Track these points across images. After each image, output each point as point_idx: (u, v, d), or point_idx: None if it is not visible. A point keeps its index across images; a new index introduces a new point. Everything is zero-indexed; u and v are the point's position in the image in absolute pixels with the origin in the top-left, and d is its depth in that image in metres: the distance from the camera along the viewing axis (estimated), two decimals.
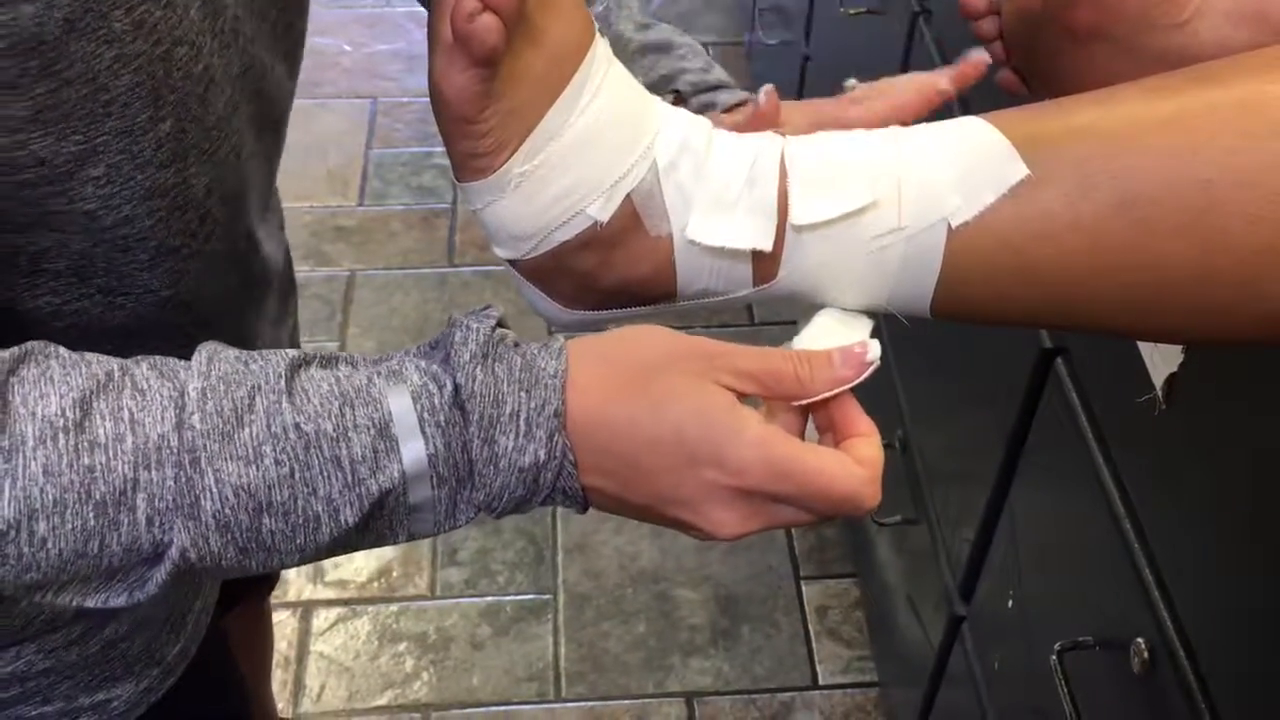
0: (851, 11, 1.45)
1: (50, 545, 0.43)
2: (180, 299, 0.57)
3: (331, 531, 0.46)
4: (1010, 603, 1.04)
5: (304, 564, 0.48)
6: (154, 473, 0.43)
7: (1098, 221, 0.46)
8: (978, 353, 1.12)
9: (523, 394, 0.46)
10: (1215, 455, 0.73)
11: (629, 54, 0.66)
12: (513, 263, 0.54)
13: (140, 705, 0.68)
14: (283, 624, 1.63)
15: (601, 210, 0.50)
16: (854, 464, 0.47)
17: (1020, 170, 0.46)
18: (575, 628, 1.67)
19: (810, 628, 1.67)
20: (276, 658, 1.42)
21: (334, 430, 0.45)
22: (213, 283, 0.60)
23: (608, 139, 0.51)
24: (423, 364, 0.47)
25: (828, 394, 0.48)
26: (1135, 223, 0.45)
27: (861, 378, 0.49)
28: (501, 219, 0.52)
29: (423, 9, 0.57)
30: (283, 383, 0.45)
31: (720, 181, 0.50)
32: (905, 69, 1.29)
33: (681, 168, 0.51)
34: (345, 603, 1.68)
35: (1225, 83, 0.47)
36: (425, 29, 0.50)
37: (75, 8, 0.45)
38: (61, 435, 0.43)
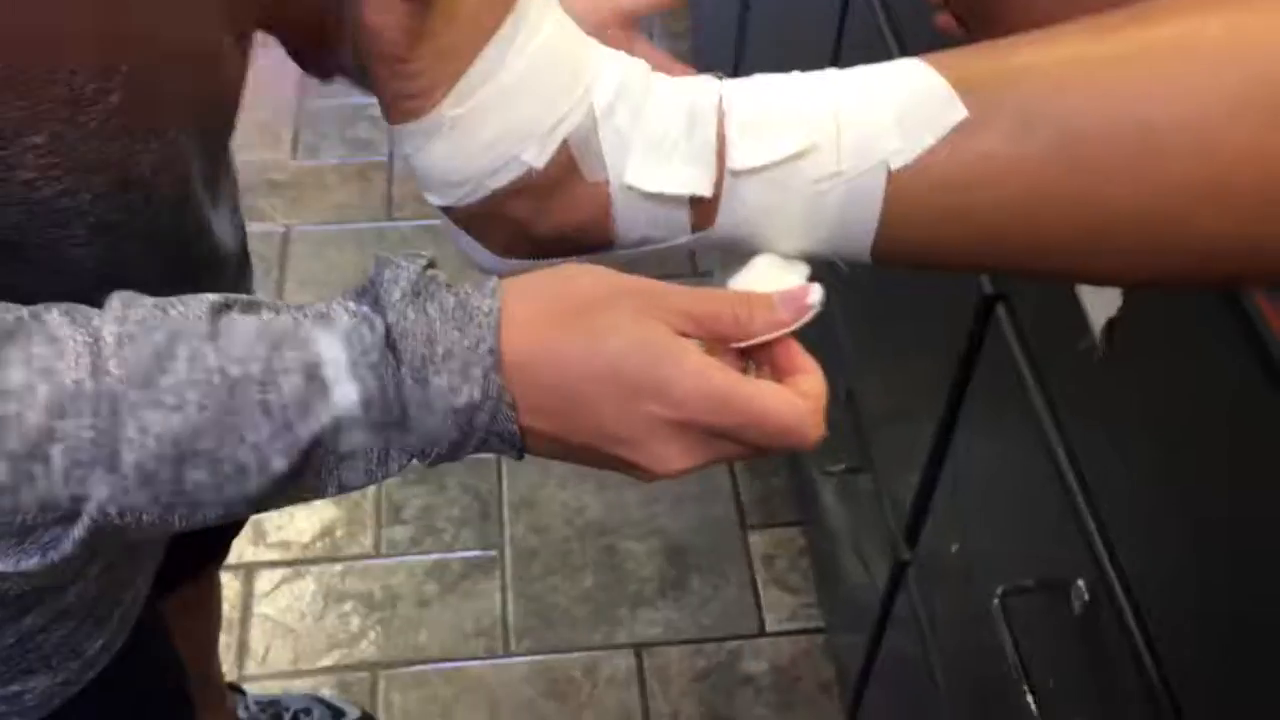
0: None
1: None
2: (117, 278, 0.54)
3: (259, 483, 0.44)
4: (954, 547, 1.05)
5: (229, 519, 0.46)
6: (69, 422, 0.41)
7: (1037, 162, 0.45)
8: (919, 300, 1.13)
9: (456, 332, 0.44)
10: (1154, 400, 0.73)
11: None
12: (446, 210, 0.52)
13: (55, 698, 0.66)
14: (225, 586, 1.61)
15: (537, 156, 0.49)
16: (796, 396, 0.46)
17: (960, 112, 0.46)
18: (523, 583, 1.66)
19: (757, 576, 1.69)
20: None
21: (261, 374, 0.43)
22: (153, 263, 0.57)
23: (544, 82, 0.49)
24: (352, 305, 0.45)
25: (766, 337, 0.48)
26: (1074, 163, 0.45)
27: (801, 322, 0.48)
28: (434, 164, 0.50)
29: None
30: (205, 325, 0.43)
31: (658, 126, 0.49)
32: (844, 14, 1.28)
33: (619, 112, 0.49)
34: (289, 563, 1.66)
35: (1163, 22, 0.46)
36: None
37: None
38: None
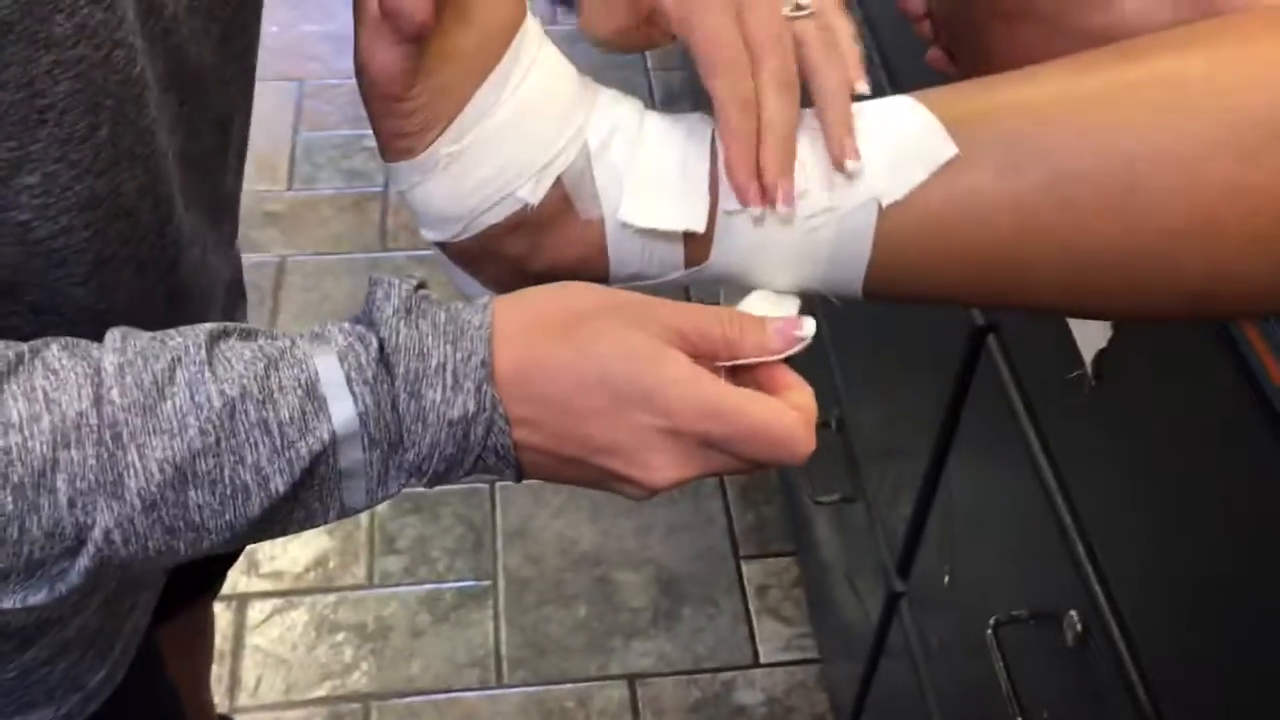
0: None
1: None
2: (115, 313, 0.54)
3: (261, 502, 0.44)
4: (946, 578, 1.06)
5: (233, 545, 0.46)
6: (74, 451, 0.41)
7: (1026, 199, 0.46)
8: (911, 331, 1.13)
9: (448, 346, 0.45)
10: (1145, 430, 0.74)
11: None
12: (441, 246, 0.53)
13: None
14: (217, 618, 1.60)
15: (532, 193, 0.50)
16: (786, 407, 0.46)
17: (950, 149, 0.46)
18: (516, 613, 1.66)
19: (751, 606, 1.68)
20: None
21: (259, 393, 0.43)
22: (147, 295, 0.58)
23: (539, 119, 0.50)
24: (346, 326, 0.46)
25: (754, 361, 0.48)
26: (1062, 200, 0.45)
27: (790, 352, 0.48)
28: (429, 201, 0.51)
29: None
30: (203, 353, 0.44)
31: (652, 163, 0.50)
32: None
33: (613, 149, 0.50)
34: (281, 594, 1.66)
35: (1146, 59, 0.47)
36: (352, 7, 0.48)
37: (13, 10, 0.43)
38: None
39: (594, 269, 0.51)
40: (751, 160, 0.48)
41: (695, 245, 0.50)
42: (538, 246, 0.51)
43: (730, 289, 0.52)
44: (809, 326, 0.48)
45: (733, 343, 0.47)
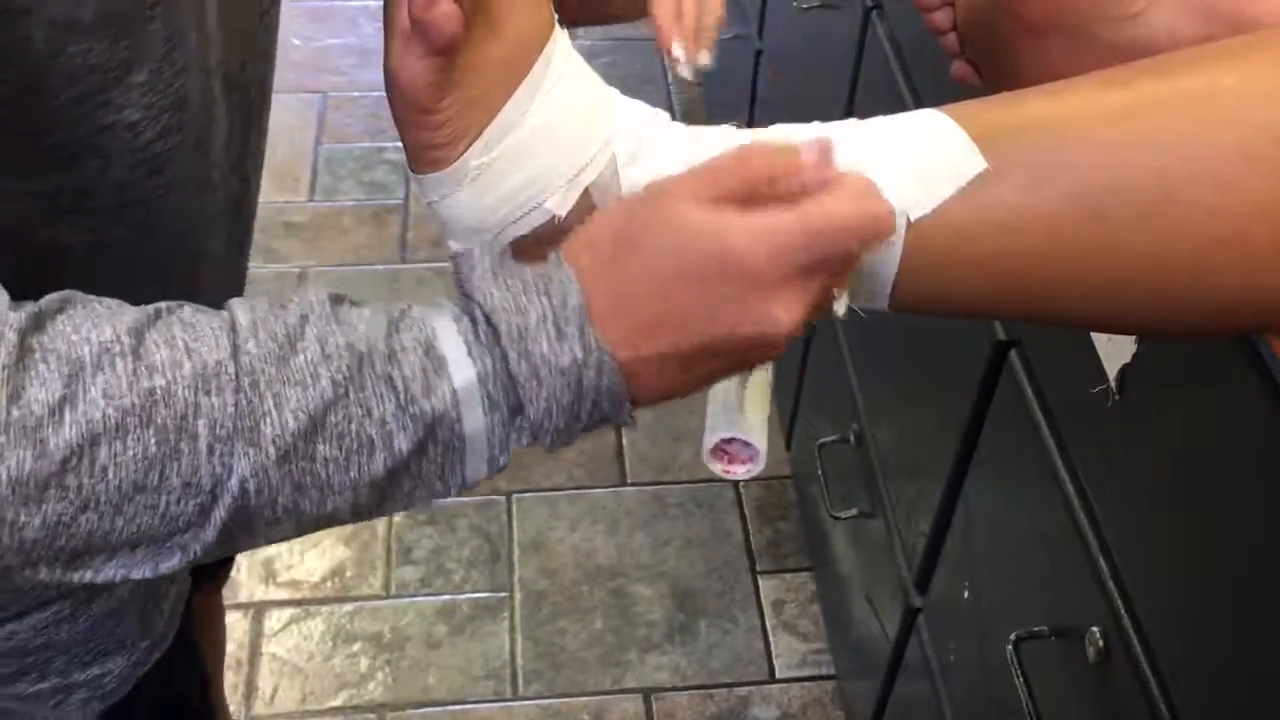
0: (805, 6, 1.45)
1: (111, 475, 0.41)
2: (194, 232, 0.57)
3: (385, 460, 0.44)
4: (966, 594, 1.05)
5: (354, 515, 0.46)
6: (214, 398, 0.42)
7: (1054, 213, 0.46)
8: (932, 346, 1.13)
9: (542, 298, 0.45)
10: (1168, 445, 0.73)
11: None
12: None
13: (130, 680, 0.68)
14: (234, 625, 1.61)
15: (560, 204, 0.50)
16: (844, 195, 0.44)
17: (979, 163, 0.46)
18: (532, 625, 1.66)
19: (767, 622, 1.68)
20: (228, 660, 1.40)
21: (385, 349, 0.44)
22: (218, 217, 0.60)
23: (567, 132, 0.50)
24: (453, 299, 0.47)
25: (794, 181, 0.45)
26: (1091, 214, 0.45)
27: (819, 167, 0.45)
28: (458, 212, 0.51)
29: (374, 2, 0.57)
30: (329, 308, 0.45)
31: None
32: (859, 64, 1.29)
33: (640, 162, 0.50)
34: (298, 603, 1.66)
35: (1178, 75, 0.47)
36: (376, 23, 0.49)
37: None
38: (119, 360, 0.41)
39: None
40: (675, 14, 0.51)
41: None
42: None
43: None
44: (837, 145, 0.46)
45: (767, 172, 0.45)
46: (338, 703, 1.56)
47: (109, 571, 0.44)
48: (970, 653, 1.06)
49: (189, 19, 0.51)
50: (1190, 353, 0.69)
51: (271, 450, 0.43)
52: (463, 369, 0.44)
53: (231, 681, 1.54)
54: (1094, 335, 0.78)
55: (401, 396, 0.44)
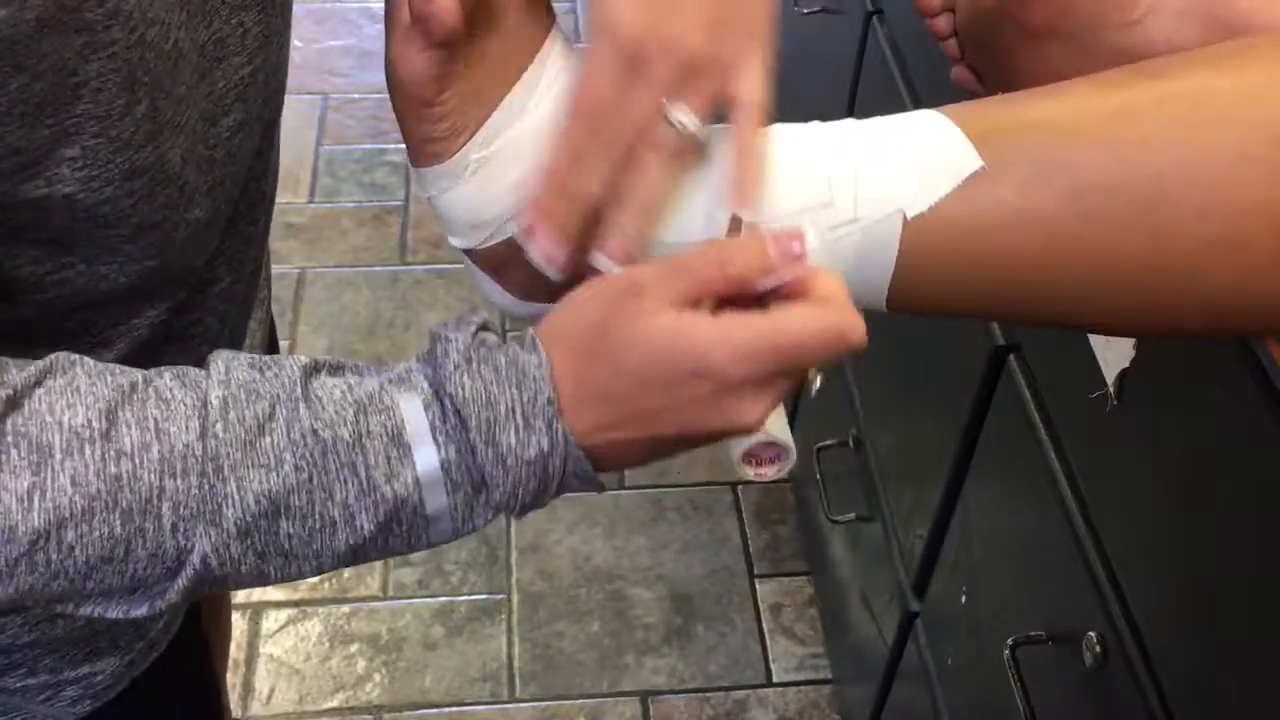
0: (805, 11, 1.45)
1: (78, 553, 0.43)
2: (166, 268, 0.57)
3: (348, 538, 0.46)
4: (963, 598, 1.05)
5: (322, 572, 0.48)
6: (179, 481, 0.44)
7: (1050, 213, 0.46)
8: (931, 350, 1.13)
9: (514, 390, 0.46)
10: (1166, 450, 0.73)
11: None
12: (468, 253, 0.53)
13: (124, 679, 0.68)
14: (232, 626, 1.61)
15: None
16: (817, 305, 0.45)
17: (975, 162, 0.47)
18: (529, 627, 1.66)
19: (764, 625, 1.68)
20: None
21: (349, 436, 0.45)
22: (197, 252, 0.60)
23: None
24: (428, 372, 0.47)
25: (768, 283, 0.46)
26: (1087, 214, 0.46)
27: (795, 267, 0.46)
28: (457, 206, 0.51)
29: (375, 4, 0.56)
30: (299, 390, 0.46)
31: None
32: (859, 68, 1.30)
33: None
34: (295, 604, 1.66)
35: (1174, 77, 0.47)
36: (377, 25, 0.49)
37: (48, 5, 0.44)
38: (88, 446, 0.43)
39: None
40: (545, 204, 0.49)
41: None
42: None
43: None
44: (810, 234, 0.47)
45: (736, 277, 0.46)
46: (334, 704, 1.56)
47: (85, 611, 0.47)
48: (967, 657, 1.06)
49: (143, 90, 0.50)
50: (1188, 358, 0.69)
51: (233, 529, 0.44)
52: (427, 456, 0.45)
53: (229, 682, 1.54)
54: (1092, 340, 0.78)
55: (365, 483, 0.45)
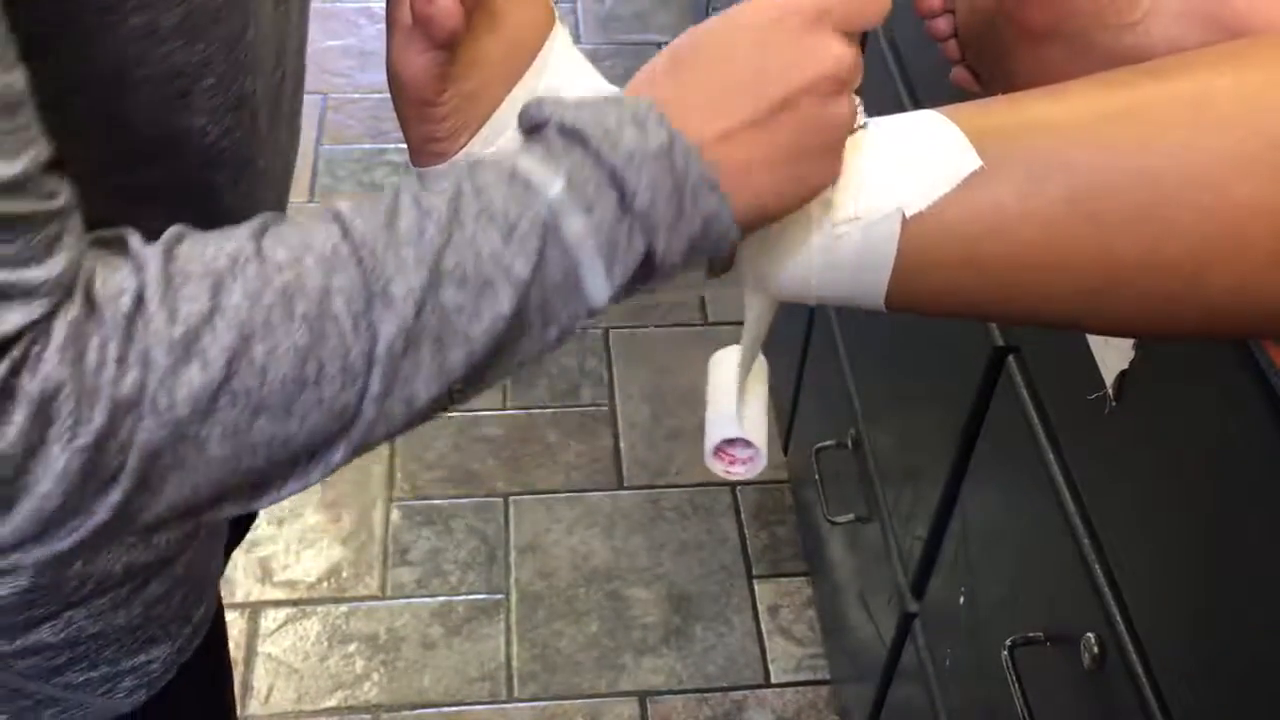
0: None
1: (270, 374, 0.42)
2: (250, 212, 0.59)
3: (509, 295, 0.44)
4: (962, 599, 1.05)
5: (499, 367, 0.47)
6: (340, 276, 0.43)
7: (1049, 213, 0.46)
8: (930, 351, 1.13)
9: (614, 107, 0.45)
10: (1164, 451, 0.74)
11: None
12: None
13: (173, 668, 0.70)
14: (230, 625, 1.60)
15: None
16: None
17: (973, 161, 0.47)
18: (527, 627, 1.66)
19: (763, 626, 1.68)
20: None
21: (472, 190, 0.44)
22: (279, 198, 0.62)
23: None
24: (530, 125, 0.47)
25: None
26: (1086, 214, 0.46)
27: None
28: None
29: (374, 4, 0.57)
30: (414, 181, 0.46)
31: None
32: None
33: None
34: (294, 603, 1.66)
35: (1173, 78, 0.48)
36: (377, 25, 0.50)
37: None
38: (249, 264, 0.43)
39: None
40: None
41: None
42: None
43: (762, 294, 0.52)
44: None
45: None
46: (333, 703, 1.56)
47: (288, 484, 0.45)
48: (966, 658, 1.06)
49: (244, 16, 0.52)
50: (1187, 359, 0.69)
51: (408, 308, 0.44)
52: (547, 180, 0.44)
53: None
54: (1091, 342, 0.78)
55: (501, 225, 0.44)
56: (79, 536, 0.42)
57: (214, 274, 0.42)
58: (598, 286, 0.45)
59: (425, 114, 0.50)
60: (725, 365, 0.61)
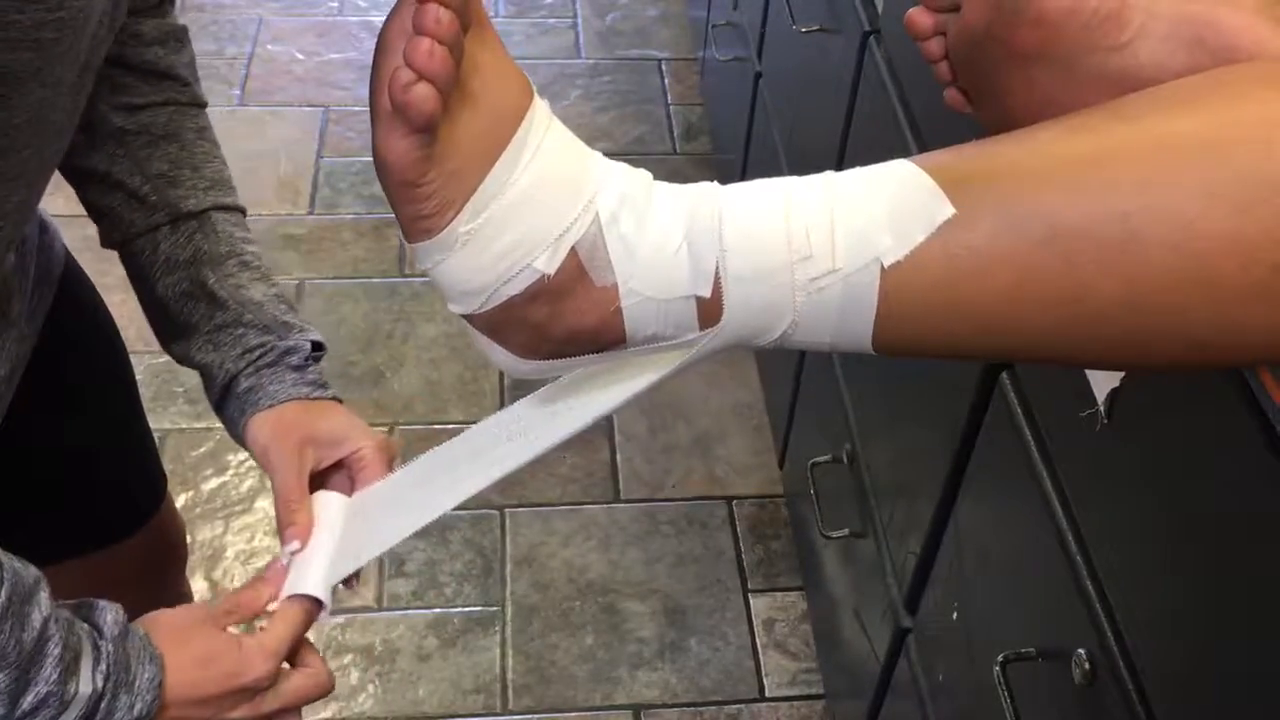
0: (804, 29, 1.46)
1: None
2: None
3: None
4: (955, 615, 1.06)
5: None
6: None
7: (1023, 257, 0.47)
8: (924, 368, 1.14)
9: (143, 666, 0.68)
10: (1156, 469, 0.74)
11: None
12: (467, 318, 0.55)
13: None
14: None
15: (548, 263, 0.52)
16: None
17: (947, 209, 0.47)
18: (523, 640, 1.66)
19: (757, 640, 1.68)
20: None
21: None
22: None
23: (550, 195, 0.52)
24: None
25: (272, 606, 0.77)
26: (1059, 256, 0.46)
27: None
28: (451, 276, 0.53)
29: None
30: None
31: (660, 232, 0.52)
32: (856, 86, 1.31)
33: (623, 220, 0.52)
34: None
35: (1140, 120, 0.48)
36: (369, 98, 0.52)
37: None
38: None
39: (612, 332, 0.53)
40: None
41: (708, 307, 0.51)
42: (557, 314, 0.53)
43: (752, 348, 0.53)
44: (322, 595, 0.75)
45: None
46: (328, 714, 1.56)
47: None
48: (958, 673, 1.06)
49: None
50: (1178, 378, 0.70)
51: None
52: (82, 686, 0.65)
53: None
54: None
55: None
56: None
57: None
58: None
59: (411, 194, 0.51)
60: (331, 509, 0.84)
